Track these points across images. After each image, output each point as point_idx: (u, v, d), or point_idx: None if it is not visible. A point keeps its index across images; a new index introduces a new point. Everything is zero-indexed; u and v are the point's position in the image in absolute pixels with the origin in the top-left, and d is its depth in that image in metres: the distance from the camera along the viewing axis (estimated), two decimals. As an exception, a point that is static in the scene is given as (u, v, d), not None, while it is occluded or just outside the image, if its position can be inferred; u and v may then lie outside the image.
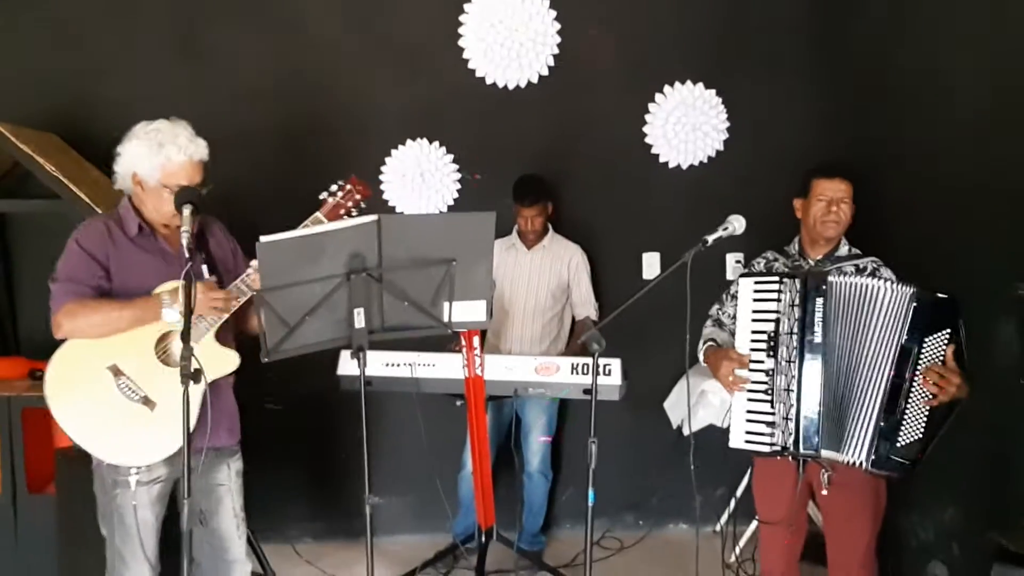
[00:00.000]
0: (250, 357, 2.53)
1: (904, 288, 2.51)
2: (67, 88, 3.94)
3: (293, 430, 4.10)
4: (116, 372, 2.43)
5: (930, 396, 2.47)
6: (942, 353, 2.49)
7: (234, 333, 2.62)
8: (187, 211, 2.29)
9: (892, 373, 2.50)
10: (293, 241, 2.24)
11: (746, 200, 3.40)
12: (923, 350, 2.49)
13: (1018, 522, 2.38)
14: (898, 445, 2.50)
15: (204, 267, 2.51)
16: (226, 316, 2.47)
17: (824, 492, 2.70)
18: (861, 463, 2.53)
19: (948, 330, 2.49)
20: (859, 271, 2.76)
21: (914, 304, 2.48)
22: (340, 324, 2.36)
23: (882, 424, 2.50)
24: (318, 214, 2.57)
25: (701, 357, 2.90)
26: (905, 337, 2.49)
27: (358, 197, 2.64)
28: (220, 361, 2.50)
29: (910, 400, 2.49)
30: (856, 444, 2.55)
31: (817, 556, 2.92)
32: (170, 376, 2.38)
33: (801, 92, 4.22)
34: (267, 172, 3.98)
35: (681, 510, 4.34)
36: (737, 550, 3.90)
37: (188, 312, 2.15)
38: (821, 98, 4.19)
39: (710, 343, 2.89)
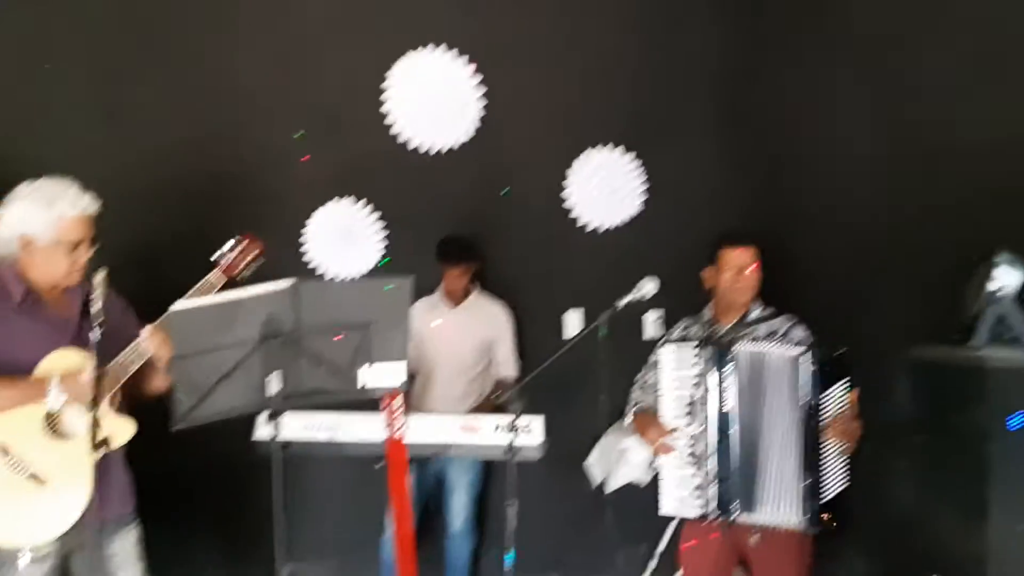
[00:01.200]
0: (160, 420, 2.47)
1: (789, 351, 2.63)
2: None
3: (205, 496, 4.00)
4: (3, 451, 2.31)
5: (842, 447, 2.57)
6: (845, 402, 2.59)
7: (128, 399, 2.50)
8: (99, 275, 2.24)
9: (802, 432, 2.60)
10: (207, 308, 2.23)
11: (663, 260, 3.51)
12: (824, 404, 2.59)
13: (921, 574, 2.46)
14: (823, 501, 2.58)
15: (94, 331, 2.30)
16: (117, 387, 2.38)
17: (753, 543, 2.76)
18: (793, 523, 2.61)
19: (847, 379, 2.60)
20: (771, 333, 2.87)
21: (801, 364, 2.60)
22: (255, 389, 2.34)
23: (808, 482, 2.59)
24: (209, 277, 2.55)
25: (629, 420, 2.96)
26: (807, 396, 2.60)
27: (256, 252, 2.64)
28: (115, 430, 2.39)
29: (824, 455, 2.59)
30: (784, 506, 2.62)
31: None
32: (60, 450, 2.31)
33: (715, 155, 4.37)
34: (186, 232, 3.93)
35: (604, 567, 4.34)
36: (659, 607, 3.92)
37: (98, 377, 2.12)
38: (734, 161, 4.35)
39: (638, 406, 2.96)
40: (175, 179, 3.91)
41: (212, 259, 2.60)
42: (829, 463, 2.59)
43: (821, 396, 2.60)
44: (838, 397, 2.60)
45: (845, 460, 2.59)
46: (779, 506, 2.62)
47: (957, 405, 2.34)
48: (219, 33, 4.04)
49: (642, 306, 3.19)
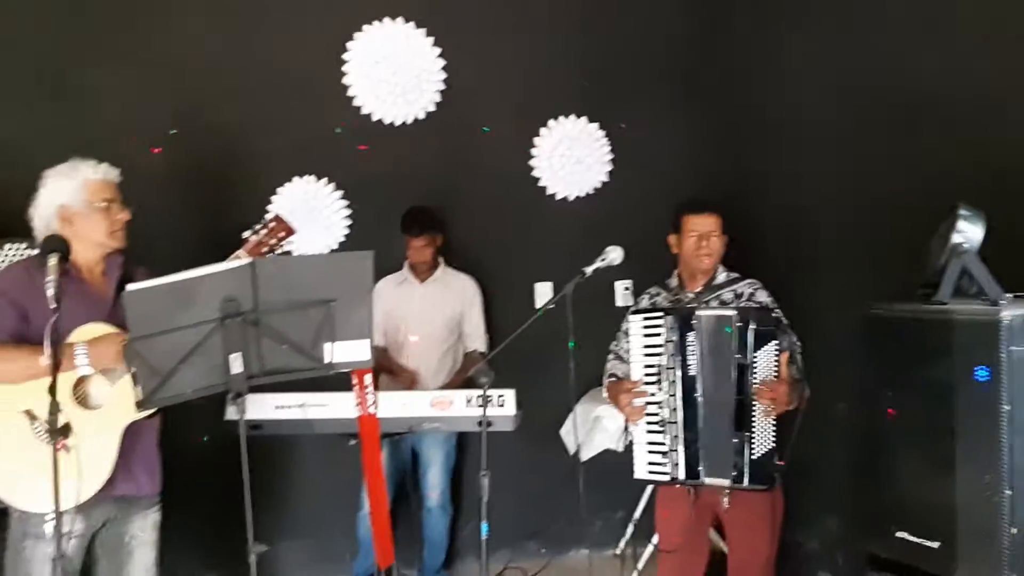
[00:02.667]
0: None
1: (725, 312, 2.68)
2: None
3: (187, 477, 3.95)
4: (31, 417, 2.36)
5: (768, 408, 2.62)
6: (775, 365, 2.63)
7: None
8: (52, 260, 2.23)
9: (734, 392, 2.65)
10: (162, 288, 2.18)
11: (631, 229, 3.50)
12: (755, 365, 2.64)
13: (888, 530, 2.48)
14: (753, 458, 2.64)
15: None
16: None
17: (725, 506, 2.80)
18: (724, 483, 2.66)
19: (775, 341, 2.64)
20: (737, 296, 2.89)
21: (738, 324, 2.65)
22: (216, 370, 2.30)
23: (734, 441, 2.65)
24: (239, 252, 2.54)
25: (605, 392, 2.98)
26: (738, 356, 2.65)
27: (282, 235, 2.63)
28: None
29: (754, 415, 2.64)
30: (720, 466, 2.66)
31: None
32: (87, 419, 2.39)
33: (678, 125, 4.38)
34: (149, 213, 3.85)
35: (582, 536, 4.36)
36: (635, 573, 3.95)
37: (55, 365, 2.09)
38: (697, 130, 4.36)
39: (612, 377, 2.98)
40: (133, 159, 3.82)
41: (243, 236, 2.60)
42: (759, 424, 2.64)
43: (753, 356, 2.64)
44: (768, 358, 2.64)
45: (772, 421, 2.64)
46: (717, 466, 2.67)
47: (923, 360, 2.35)
48: (178, 7, 3.93)
49: (611, 274, 3.19)
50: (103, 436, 2.43)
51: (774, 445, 2.65)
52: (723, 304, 2.83)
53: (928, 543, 2.37)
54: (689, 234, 2.92)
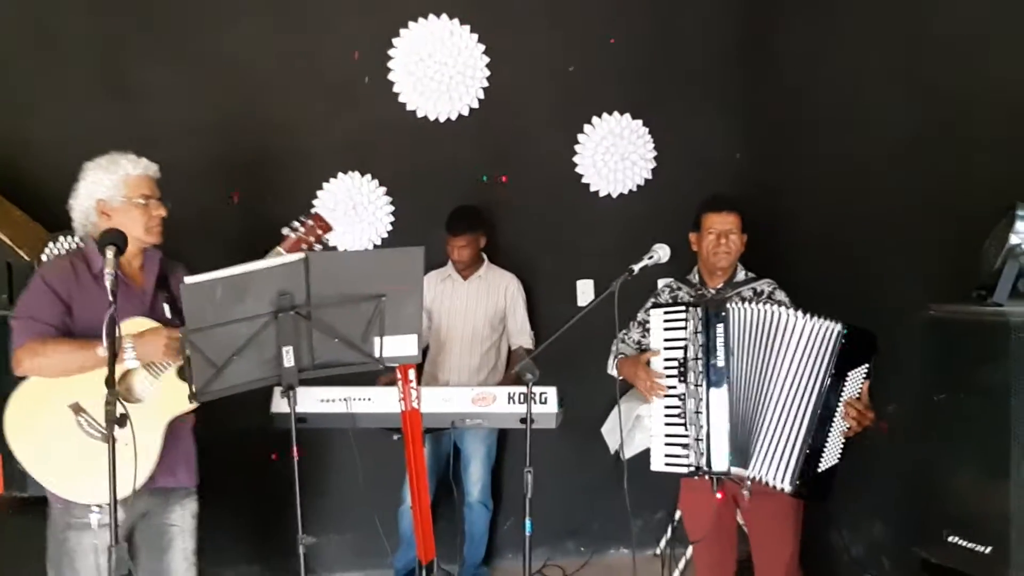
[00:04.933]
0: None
1: (831, 324, 2.61)
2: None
3: (229, 469, 4.01)
4: (77, 410, 2.39)
5: (846, 428, 2.61)
6: (860, 386, 2.62)
7: None
8: (110, 253, 2.25)
9: (819, 404, 2.61)
10: (218, 281, 2.21)
11: (674, 226, 3.47)
12: (847, 384, 2.61)
13: (939, 535, 2.44)
14: (819, 471, 2.61)
15: (166, 306, 2.56)
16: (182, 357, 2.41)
17: (746, 498, 2.79)
18: (784, 488, 2.63)
19: (867, 365, 2.62)
20: (756, 295, 2.91)
21: (842, 341, 2.59)
22: (269, 363, 2.34)
23: (807, 451, 2.61)
24: (279, 248, 2.56)
25: (615, 372, 2.97)
26: (833, 371, 2.60)
27: (320, 232, 2.65)
28: (181, 397, 2.43)
29: (831, 430, 2.61)
30: (776, 467, 2.64)
31: (753, 576, 2.98)
32: (132, 413, 2.35)
33: (724, 122, 4.34)
34: (195, 208, 3.92)
35: (621, 535, 4.36)
36: (677, 572, 3.93)
37: (112, 355, 2.12)
38: (743, 128, 4.32)
39: (620, 356, 2.97)
40: (180, 157, 3.88)
41: (282, 233, 2.61)
42: (833, 439, 2.62)
43: (846, 375, 2.61)
44: (857, 379, 2.62)
45: (843, 440, 2.63)
46: (771, 465, 2.64)
47: (978, 362, 2.30)
48: (227, 7, 3.99)
49: (657, 271, 3.17)
50: (147, 430, 2.43)
51: (837, 461, 2.63)
52: (743, 301, 2.79)
53: (980, 548, 2.33)
54: (708, 232, 2.93)
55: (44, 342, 2.39)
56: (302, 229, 2.61)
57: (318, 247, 2.61)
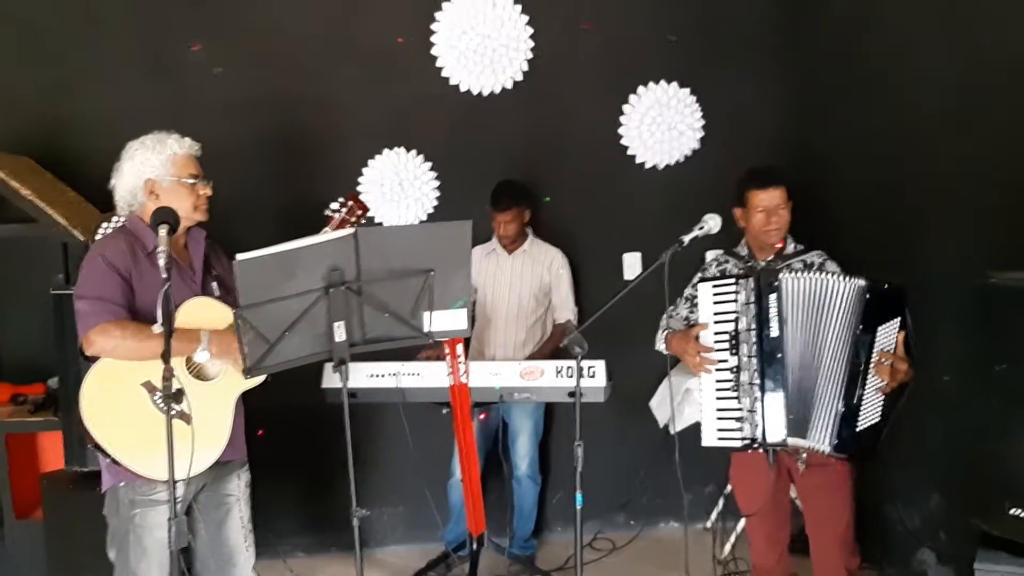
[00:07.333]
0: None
1: (855, 281, 2.60)
2: (37, 109, 3.92)
3: (280, 444, 4.09)
4: (151, 388, 2.40)
5: (882, 383, 2.57)
6: (893, 340, 2.58)
7: None
8: (163, 231, 2.26)
9: (849, 362, 2.59)
10: (270, 257, 2.23)
11: (723, 197, 3.41)
12: (876, 339, 2.58)
13: (1000, 507, 2.39)
14: (857, 430, 2.59)
15: (215, 284, 2.60)
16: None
17: (801, 470, 2.78)
18: (824, 449, 2.61)
19: (898, 318, 2.58)
20: (807, 267, 2.86)
21: (866, 296, 2.57)
22: (320, 338, 2.35)
23: (842, 410, 2.59)
24: (327, 229, 2.61)
25: (663, 348, 2.95)
26: (860, 327, 2.58)
27: (360, 213, 2.70)
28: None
29: (866, 387, 2.59)
30: (820, 430, 2.63)
31: (806, 550, 2.95)
32: (203, 391, 2.46)
33: (773, 89, 4.25)
34: (241, 186, 3.96)
35: (671, 509, 4.35)
36: (728, 546, 3.92)
37: (168, 332, 2.13)
38: (792, 94, 4.22)
39: (668, 331, 2.94)
40: (227, 135, 3.93)
41: (326, 214, 2.67)
42: (869, 396, 2.58)
43: (876, 329, 2.57)
44: (889, 333, 2.58)
45: (881, 396, 2.58)
46: (819, 432, 2.62)
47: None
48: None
49: (706, 243, 3.13)
50: (218, 407, 2.50)
51: (879, 419, 2.58)
52: (793, 272, 2.75)
53: (1043, 521, 2.28)
54: (756, 210, 2.86)
55: (122, 326, 2.37)
56: (343, 211, 2.66)
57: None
